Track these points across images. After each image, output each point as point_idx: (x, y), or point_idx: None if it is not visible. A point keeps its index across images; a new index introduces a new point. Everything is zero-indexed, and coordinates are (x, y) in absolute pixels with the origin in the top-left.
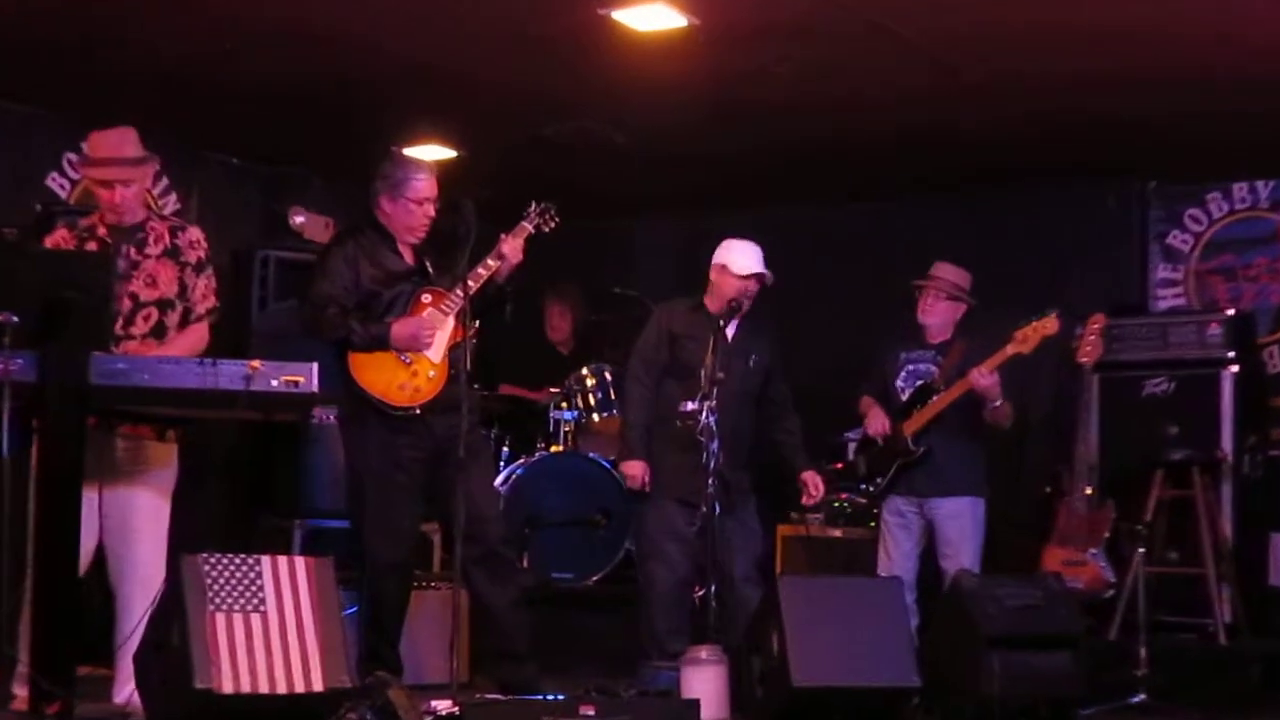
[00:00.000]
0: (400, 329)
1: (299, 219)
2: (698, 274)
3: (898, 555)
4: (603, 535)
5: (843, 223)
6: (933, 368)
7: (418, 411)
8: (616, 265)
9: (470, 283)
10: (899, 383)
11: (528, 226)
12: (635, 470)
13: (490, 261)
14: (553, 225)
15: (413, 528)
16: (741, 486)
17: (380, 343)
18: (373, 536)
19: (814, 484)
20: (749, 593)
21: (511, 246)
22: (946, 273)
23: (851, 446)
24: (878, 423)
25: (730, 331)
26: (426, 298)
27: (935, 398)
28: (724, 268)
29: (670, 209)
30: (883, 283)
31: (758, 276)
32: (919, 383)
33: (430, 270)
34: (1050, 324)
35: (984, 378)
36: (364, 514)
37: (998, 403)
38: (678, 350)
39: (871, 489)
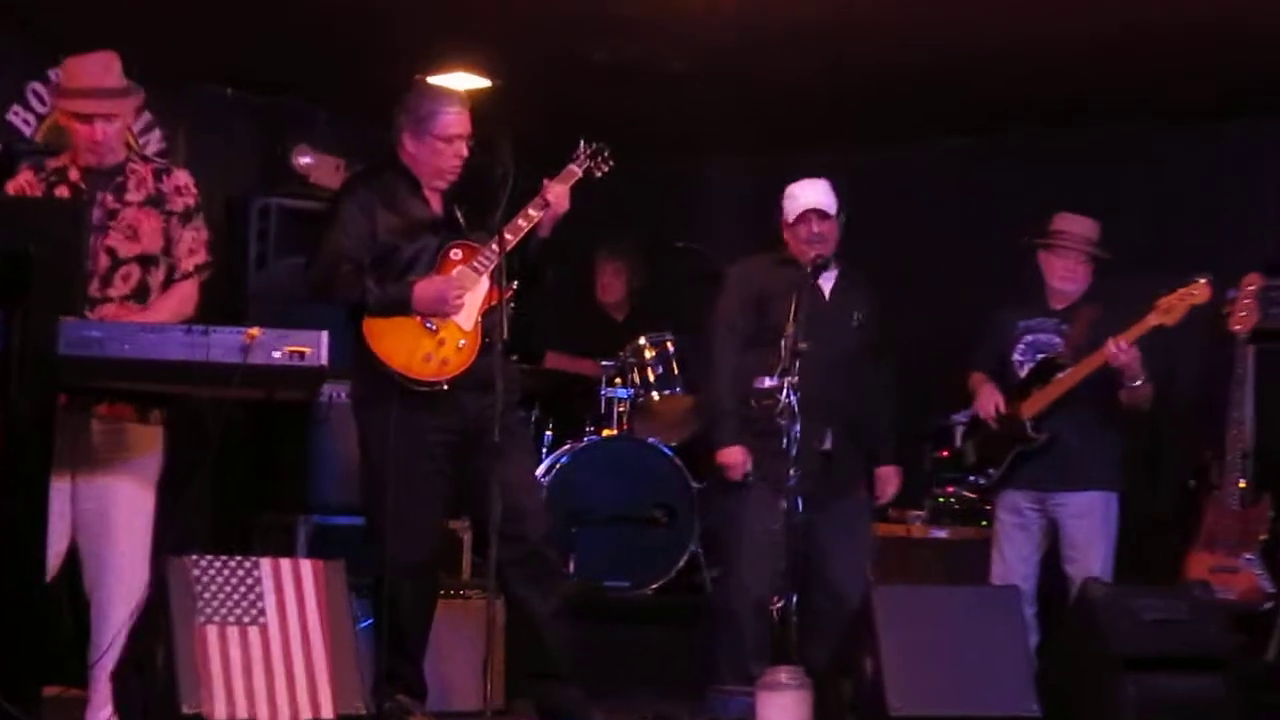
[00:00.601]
0: (425, 289)
1: (305, 160)
2: (775, 225)
3: (1014, 560)
4: (663, 535)
5: (943, 163)
6: (1056, 338)
7: (445, 387)
8: (680, 216)
9: (508, 236)
10: (1016, 356)
11: (576, 170)
12: (735, 458)
13: (532, 211)
14: (605, 169)
15: (439, 525)
16: (845, 473)
17: (401, 306)
18: (392, 535)
19: (890, 484)
20: (843, 605)
21: (557, 193)
22: (1078, 226)
23: (959, 431)
24: (990, 402)
25: (827, 287)
26: (456, 253)
27: (1061, 374)
28: (784, 216)
29: (742, 149)
30: (992, 235)
31: (816, 214)
32: (1040, 356)
33: (461, 221)
34: (1200, 292)
35: (1123, 351)
36: (381, 508)
37: (1137, 382)
38: (766, 312)
39: (983, 481)
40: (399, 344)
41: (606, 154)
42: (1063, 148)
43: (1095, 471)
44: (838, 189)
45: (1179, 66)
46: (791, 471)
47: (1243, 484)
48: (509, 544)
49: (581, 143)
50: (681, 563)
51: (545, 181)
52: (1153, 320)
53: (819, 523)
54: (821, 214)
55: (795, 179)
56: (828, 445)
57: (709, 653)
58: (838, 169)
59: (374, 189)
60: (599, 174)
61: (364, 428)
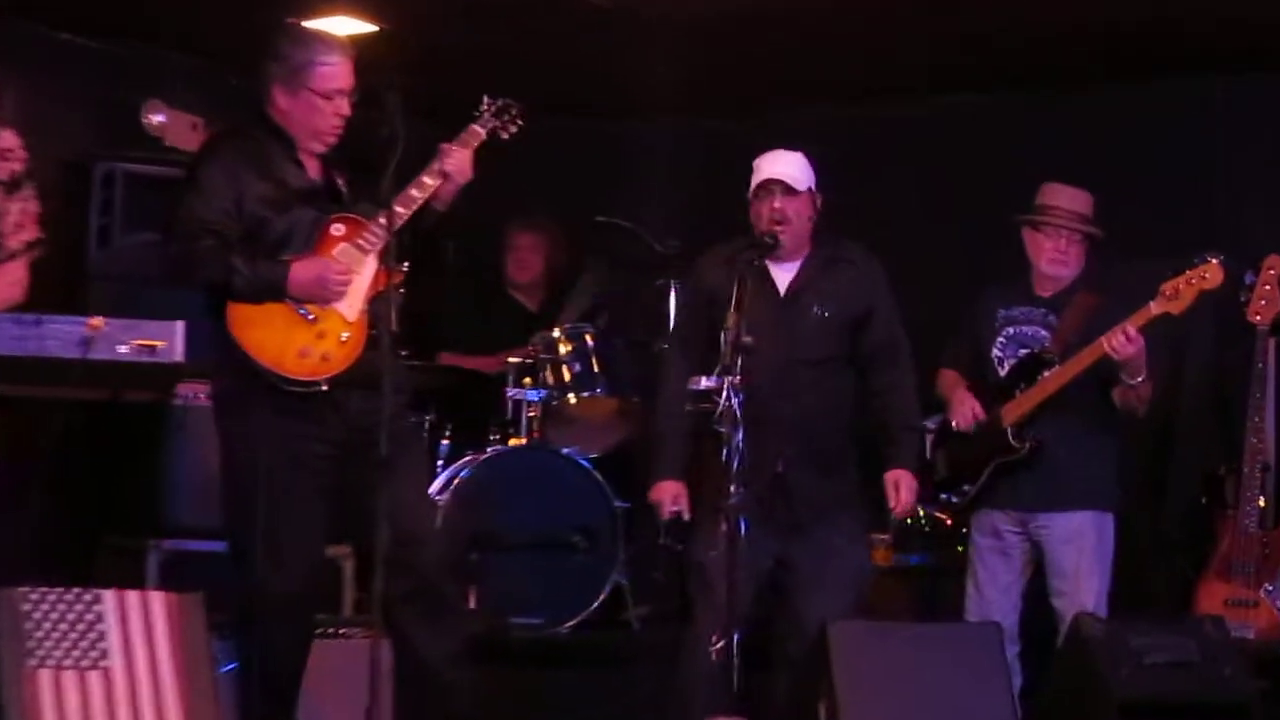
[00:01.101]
0: (303, 271)
1: (157, 118)
2: (727, 196)
3: (993, 592)
4: (582, 564)
5: (912, 126)
6: (1043, 331)
7: (325, 388)
8: (606, 186)
9: (399, 209)
10: (996, 351)
11: (479, 131)
12: (662, 494)
13: (427, 180)
14: (514, 130)
15: (315, 551)
16: (821, 495)
17: (274, 290)
18: (260, 563)
19: (900, 487)
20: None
21: (457, 159)
22: (1070, 200)
23: (928, 441)
24: (965, 408)
25: (787, 273)
26: (338, 229)
27: (1048, 372)
28: (750, 197)
29: (687, 105)
30: (968, 210)
31: (779, 187)
32: (1023, 351)
33: (343, 191)
34: (1211, 274)
35: (1127, 343)
36: (248, 531)
37: (1138, 378)
38: (717, 311)
39: (956, 500)
40: (270, 336)
41: (515, 111)
42: (1048, 108)
43: (1087, 488)
44: (815, 165)
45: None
46: (732, 488)
47: (1263, 502)
48: (398, 574)
49: (485, 98)
50: (603, 596)
51: (442, 146)
52: (1155, 309)
53: (793, 552)
54: (786, 188)
55: (757, 144)
56: (780, 468)
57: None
58: (801, 135)
59: (240, 151)
60: (506, 135)
61: (227, 435)
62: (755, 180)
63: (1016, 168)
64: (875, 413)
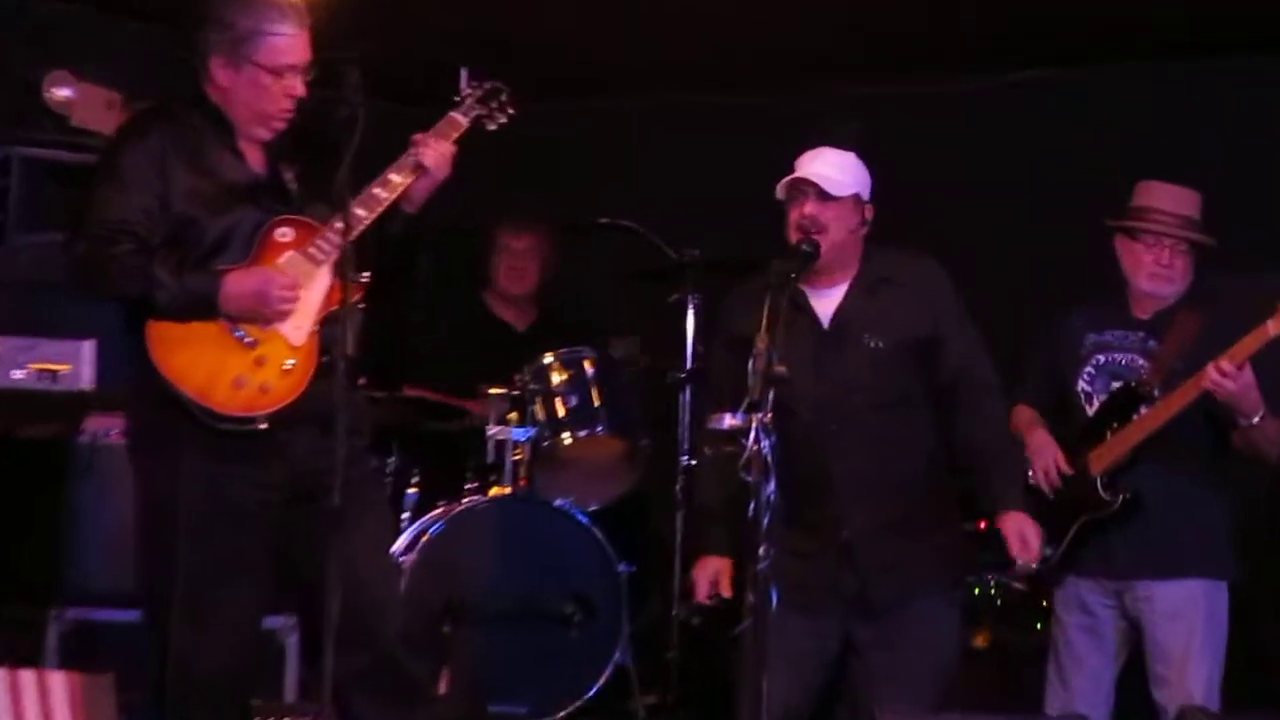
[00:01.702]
0: (239, 282)
1: (63, 92)
2: (760, 192)
3: (1080, 680)
4: (577, 640)
5: (982, 107)
6: (1140, 360)
7: (264, 425)
8: (608, 178)
9: (360, 211)
10: (1083, 384)
11: (460, 120)
12: (703, 573)
13: (395, 177)
14: (503, 119)
15: (250, 620)
16: (902, 569)
17: (204, 305)
18: (184, 636)
19: (1021, 535)
20: None
21: (434, 153)
22: (1175, 202)
23: None
24: (1046, 458)
25: (829, 301)
26: (285, 233)
27: (1146, 409)
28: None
29: (707, 82)
30: (1058, 211)
31: (809, 189)
32: (1115, 385)
33: (291, 187)
34: None
35: (1230, 377)
36: (168, 596)
37: (1255, 418)
38: (747, 357)
39: (1035, 566)
40: (198, 361)
41: (505, 98)
42: (1140, 88)
43: (1196, 551)
44: (869, 166)
45: None
46: (761, 550)
47: None
48: (353, 651)
49: (467, 80)
50: (603, 680)
51: (415, 137)
52: (1273, 329)
53: (863, 636)
54: (821, 191)
55: (798, 130)
56: (845, 536)
57: None
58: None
59: (168, 136)
60: (494, 126)
61: (145, 481)
62: (785, 183)
63: (1100, 158)
64: (964, 457)
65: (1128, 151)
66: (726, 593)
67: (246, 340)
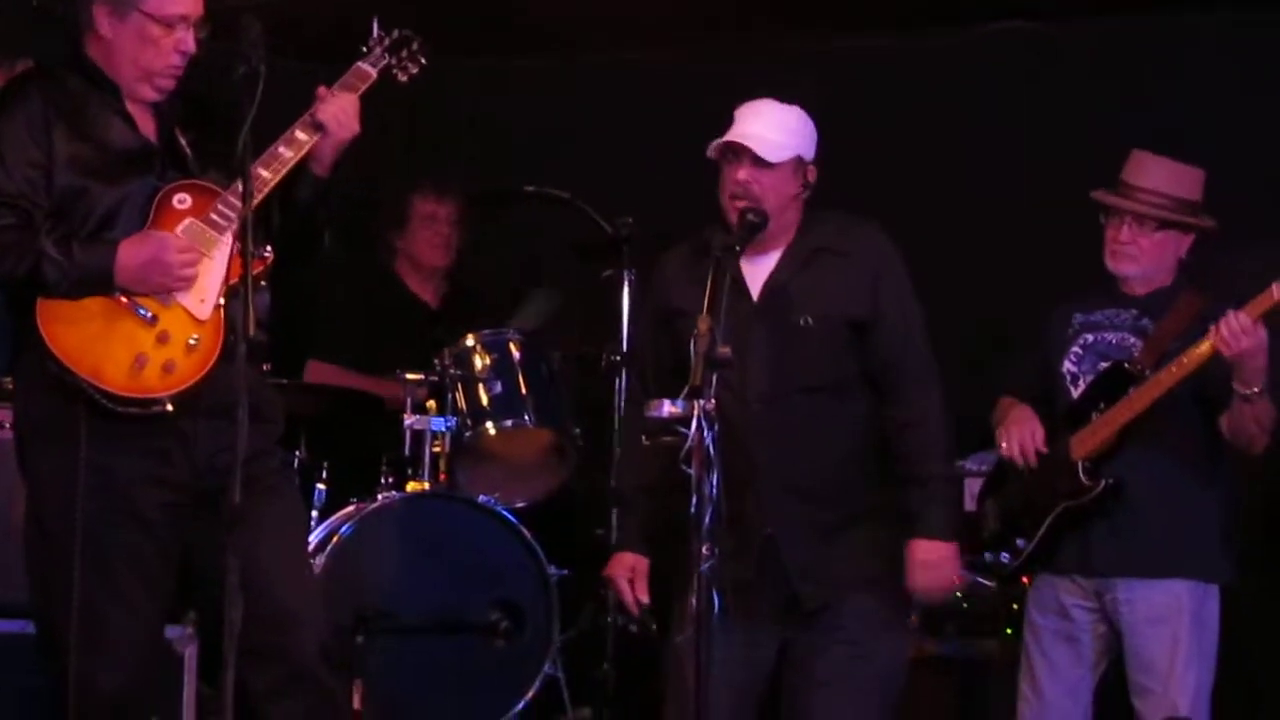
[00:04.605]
0: (134, 251)
1: None
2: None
3: (1056, 691)
4: (504, 652)
5: (958, 64)
6: (1132, 338)
7: (167, 408)
8: (536, 144)
9: (263, 172)
10: (1069, 364)
11: (368, 71)
12: (619, 569)
13: (300, 134)
14: (414, 70)
15: (149, 632)
16: (830, 569)
17: (99, 280)
18: (77, 649)
19: (926, 565)
20: None
21: (337, 107)
22: (1155, 177)
23: (973, 489)
24: (1025, 428)
25: (760, 270)
26: (183, 200)
27: (1136, 389)
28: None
29: (635, 34)
30: (1028, 186)
31: (743, 153)
32: (1103, 365)
33: (187, 151)
34: None
35: (1246, 332)
36: (61, 608)
37: (1255, 388)
38: (677, 334)
39: (1006, 559)
40: (94, 341)
41: (415, 46)
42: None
43: (1182, 549)
44: (811, 122)
45: None
46: (705, 549)
47: None
48: (260, 664)
49: (375, 28)
50: (531, 694)
51: (320, 90)
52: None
53: (798, 643)
54: (754, 157)
55: (739, 86)
56: (768, 531)
57: None
58: (799, 68)
59: (50, 100)
60: (404, 78)
61: (34, 480)
62: (718, 142)
63: (1078, 120)
64: (893, 458)
65: (1112, 113)
66: (644, 596)
67: (146, 316)
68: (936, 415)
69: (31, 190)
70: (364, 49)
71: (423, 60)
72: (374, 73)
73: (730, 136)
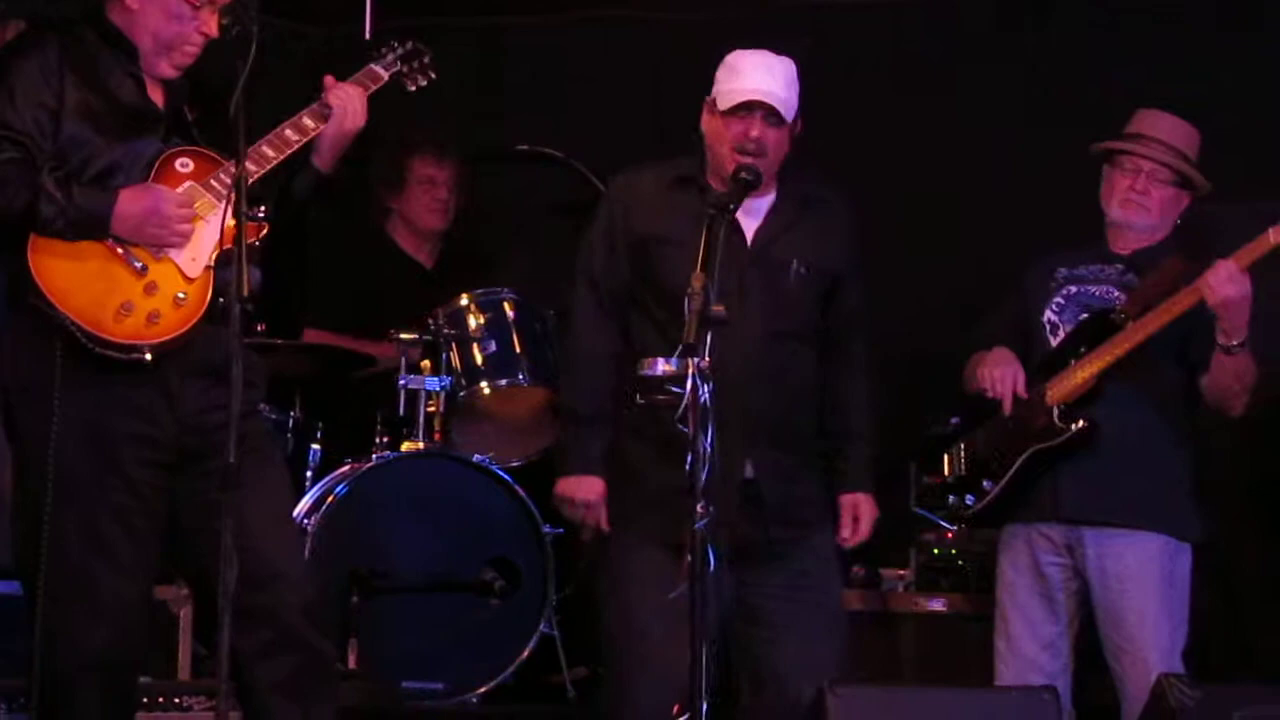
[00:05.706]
0: (132, 201)
1: None
2: (692, 111)
3: (1028, 642)
4: (498, 611)
5: (948, 26)
6: (1116, 291)
7: (146, 357)
8: (524, 102)
9: (267, 150)
10: (1050, 314)
11: (380, 73)
12: (579, 492)
13: (308, 120)
14: (423, 82)
15: (140, 592)
16: (798, 509)
17: (95, 223)
18: (62, 608)
19: (856, 513)
20: (798, 709)
21: (347, 97)
22: (1168, 131)
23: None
24: (1004, 372)
25: (752, 219)
26: (185, 164)
27: (1116, 336)
28: (711, 102)
29: None
30: (1031, 149)
31: (759, 109)
32: (1084, 316)
33: (193, 125)
34: None
35: (1234, 280)
36: (46, 564)
37: (1237, 340)
38: (651, 261)
39: (971, 501)
40: (81, 279)
41: (427, 60)
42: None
43: (1155, 503)
44: (801, 78)
45: None
46: (701, 506)
47: None
48: (252, 625)
49: (392, 40)
50: (527, 653)
51: (327, 79)
52: (1275, 238)
53: (762, 589)
54: (772, 113)
55: (724, 38)
56: (750, 473)
57: None
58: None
59: (66, 50)
60: (413, 87)
61: (18, 432)
62: (730, 89)
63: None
64: (826, 412)
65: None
66: (605, 525)
67: (137, 265)
68: (867, 382)
69: (38, 131)
70: (376, 52)
71: (433, 75)
72: (385, 75)
73: (752, 94)
